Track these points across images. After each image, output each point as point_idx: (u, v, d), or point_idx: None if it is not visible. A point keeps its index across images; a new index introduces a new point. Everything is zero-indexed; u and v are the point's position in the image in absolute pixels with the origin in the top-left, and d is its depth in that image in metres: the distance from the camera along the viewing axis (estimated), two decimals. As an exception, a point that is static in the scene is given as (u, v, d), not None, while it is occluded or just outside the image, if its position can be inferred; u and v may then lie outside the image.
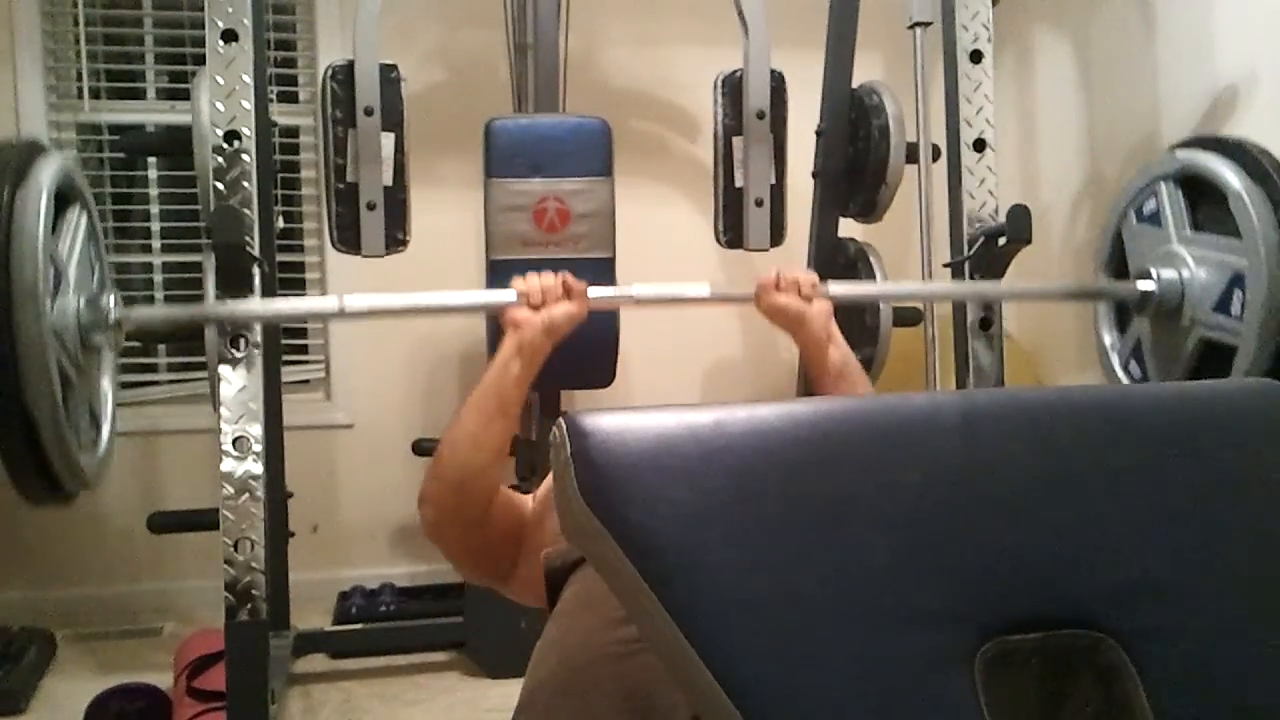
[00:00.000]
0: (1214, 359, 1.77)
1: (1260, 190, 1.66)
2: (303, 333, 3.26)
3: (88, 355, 1.54)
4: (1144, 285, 1.83)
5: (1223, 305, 1.73)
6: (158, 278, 3.21)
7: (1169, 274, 1.80)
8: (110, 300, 1.57)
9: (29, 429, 1.37)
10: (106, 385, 1.66)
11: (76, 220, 1.55)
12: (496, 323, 2.37)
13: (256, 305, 1.84)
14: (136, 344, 3.18)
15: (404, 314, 1.84)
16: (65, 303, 1.46)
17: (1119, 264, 1.99)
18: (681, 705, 0.84)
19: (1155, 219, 1.87)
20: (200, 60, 2.17)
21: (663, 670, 0.87)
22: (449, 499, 1.36)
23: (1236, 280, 1.70)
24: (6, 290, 1.33)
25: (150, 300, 3.21)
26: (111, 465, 1.64)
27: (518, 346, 1.44)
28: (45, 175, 1.43)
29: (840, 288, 1.83)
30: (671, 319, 3.27)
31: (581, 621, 1.06)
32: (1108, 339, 2.03)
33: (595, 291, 1.58)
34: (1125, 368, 1.99)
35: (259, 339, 1.84)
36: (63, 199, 1.50)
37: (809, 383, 1.72)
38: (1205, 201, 1.78)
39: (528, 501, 1.46)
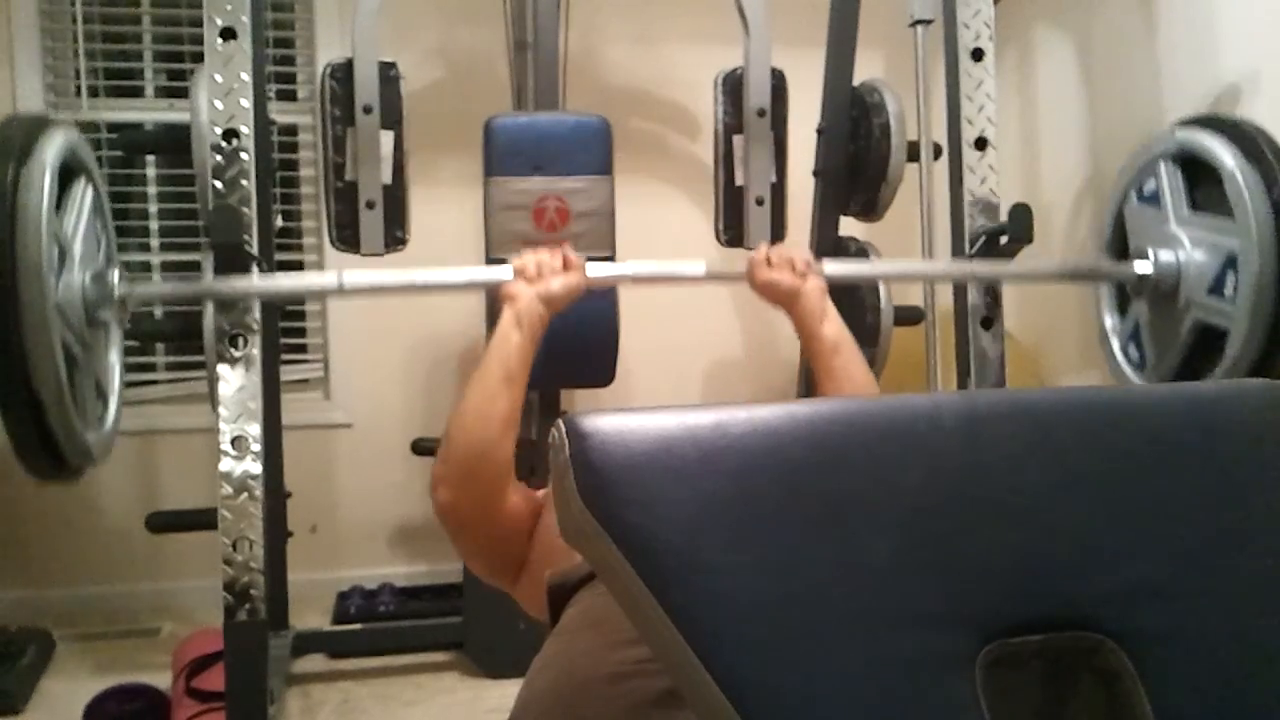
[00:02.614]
0: (1208, 342, 1.75)
1: (1254, 170, 1.65)
2: (302, 332, 3.26)
3: (94, 330, 1.54)
4: (1141, 267, 1.81)
5: (1216, 287, 1.71)
6: (156, 276, 3.21)
7: (1166, 256, 1.78)
8: (115, 276, 1.57)
9: (35, 408, 1.38)
10: (113, 359, 1.67)
11: (82, 194, 1.56)
12: (495, 310, 2.38)
13: (255, 282, 1.84)
14: (135, 344, 3.19)
15: (403, 291, 1.88)
16: (70, 279, 1.47)
17: (1121, 245, 1.97)
18: None
19: (1155, 199, 1.85)
20: (199, 58, 2.17)
21: (659, 693, 0.87)
22: (461, 480, 1.34)
23: (1230, 262, 1.68)
24: (11, 270, 1.34)
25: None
26: (116, 441, 1.64)
27: (515, 317, 1.45)
28: (50, 151, 1.43)
29: (835, 266, 1.84)
30: (671, 318, 3.28)
31: (582, 641, 1.06)
32: (1108, 322, 2.02)
33: (593, 268, 1.60)
34: (1124, 351, 1.97)
35: (258, 336, 1.83)
36: (68, 172, 1.51)
37: (806, 361, 1.71)
38: (1203, 181, 1.77)
39: (535, 494, 1.45)
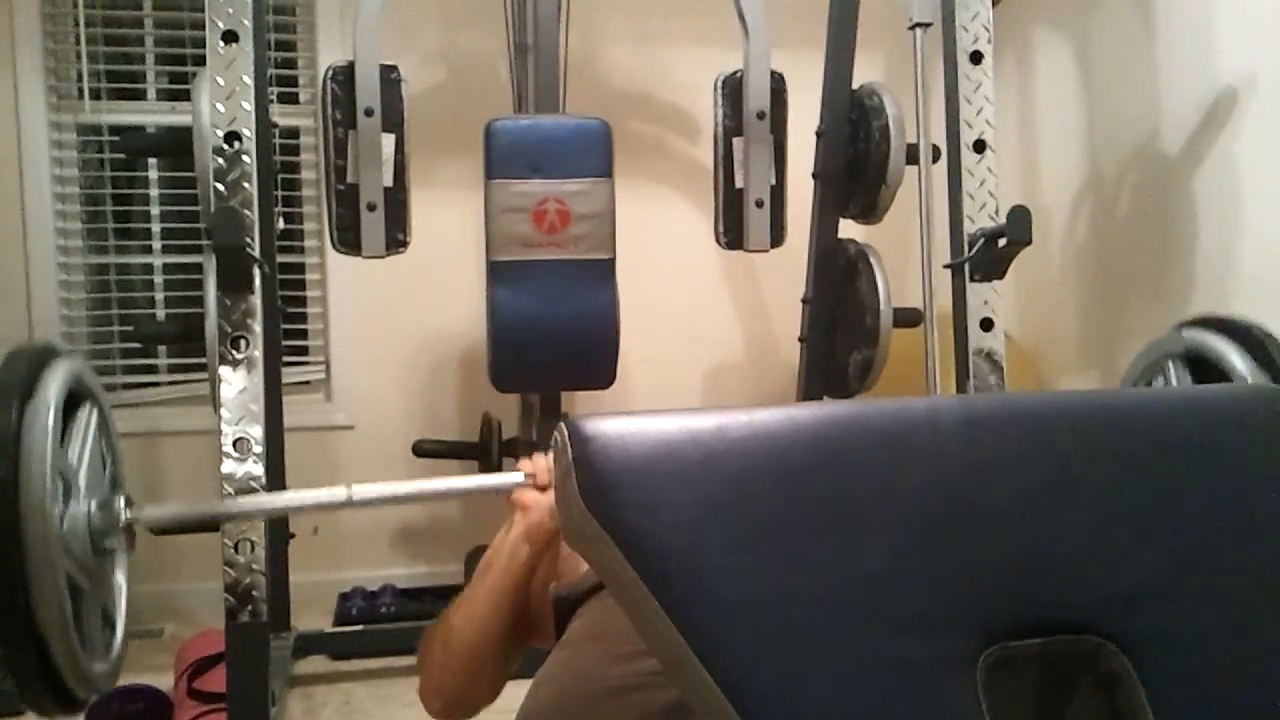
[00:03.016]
0: None
1: (1265, 375, 1.67)
2: (303, 334, 3.26)
3: (100, 559, 1.51)
4: None
5: None
6: (158, 279, 3.22)
7: None
8: (121, 502, 1.54)
9: (39, 646, 1.35)
10: (120, 581, 1.62)
11: (87, 419, 1.52)
12: (498, 324, 2.38)
13: (265, 500, 1.79)
14: (138, 346, 3.19)
15: (414, 500, 1.82)
16: (75, 511, 1.44)
17: None
18: None
19: None
20: (201, 61, 2.17)
21: (664, 705, 0.88)
22: (459, 683, 1.37)
23: None
24: (14, 511, 1.32)
25: (151, 302, 3.22)
26: (123, 666, 1.61)
27: (526, 531, 1.40)
28: (53, 387, 1.41)
29: None
30: (672, 320, 3.29)
31: (587, 653, 1.06)
32: None
33: None
34: None
35: (260, 338, 1.84)
36: (74, 398, 1.48)
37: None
38: (1211, 380, 1.79)
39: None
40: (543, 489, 1.44)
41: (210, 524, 1.69)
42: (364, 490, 1.61)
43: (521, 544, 1.40)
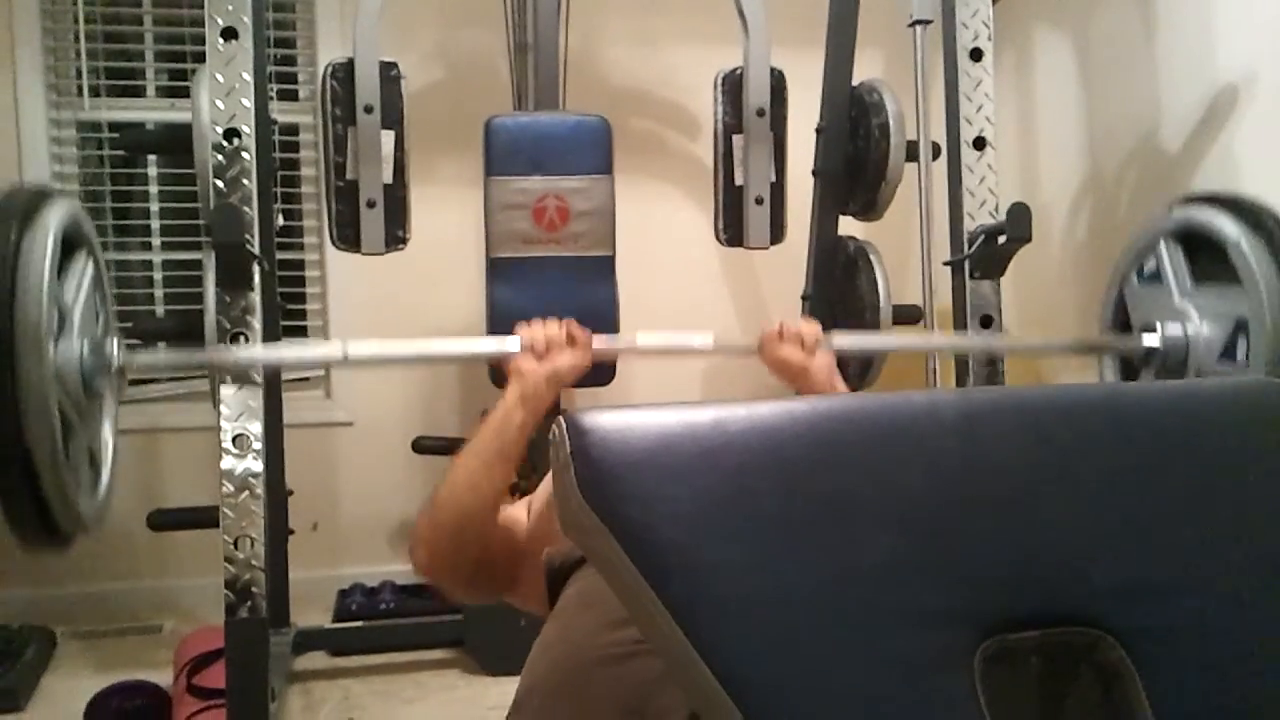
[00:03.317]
0: None
1: (1258, 238, 1.68)
2: (303, 331, 3.26)
3: (90, 400, 1.53)
4: (1149, 340, 1.83)
5: (1228, 353, 1.74)
6: (158, 275, 3.21)
7: (1174, 329, 1.80)
8: (114, 346, 1.56)
9: (28, 470, 1.36)
10: (108, 432, 1.64)
11: (83, 267, 1.55)
12: (497, 320, 2.38)
13: (258, 351, 1.84)
14: (138, 341, 3.19)
15: (407, 361, 1.84)
16: (69, 346, 1.45)
17: (1123, 326, 1.99)
18: (678, 708, 0.84)
19: (1156, 277, 1.88)
20: (200, 58, 2.17)
21: (659, 673, 0.88)
22: (444, 544, 1.35)
23: (1240, 327, 1.71)
24: (10, 332, 1.33)
25: (151, 299, 3.22)
26: (109, 507, 1.62)
27: (521, 396, 1.44)
28: (53, 219, 1.42)
29: (844, 339, 1.84)
30: (671, 317, 3.27)
31: (580, 622, 1.06)
32: None
33: (600, 340, 1.59)
34: None
35: (260, 334, 1.84)
36: (70, 245, 1.50)
37: None
38: (1205, 255, 1.80)
39: (522, 519, 1.45)
40: (539, 357, 1.49)
41: (199, 369, 1.65)
42: (359, 347, 1.71)
43: (516, 408, 1.44)
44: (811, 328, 1.64)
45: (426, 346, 1.75)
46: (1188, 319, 1.79)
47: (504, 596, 1.44)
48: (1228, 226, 1.71)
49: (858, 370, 2.70)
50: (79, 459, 1.49)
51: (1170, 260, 1.84)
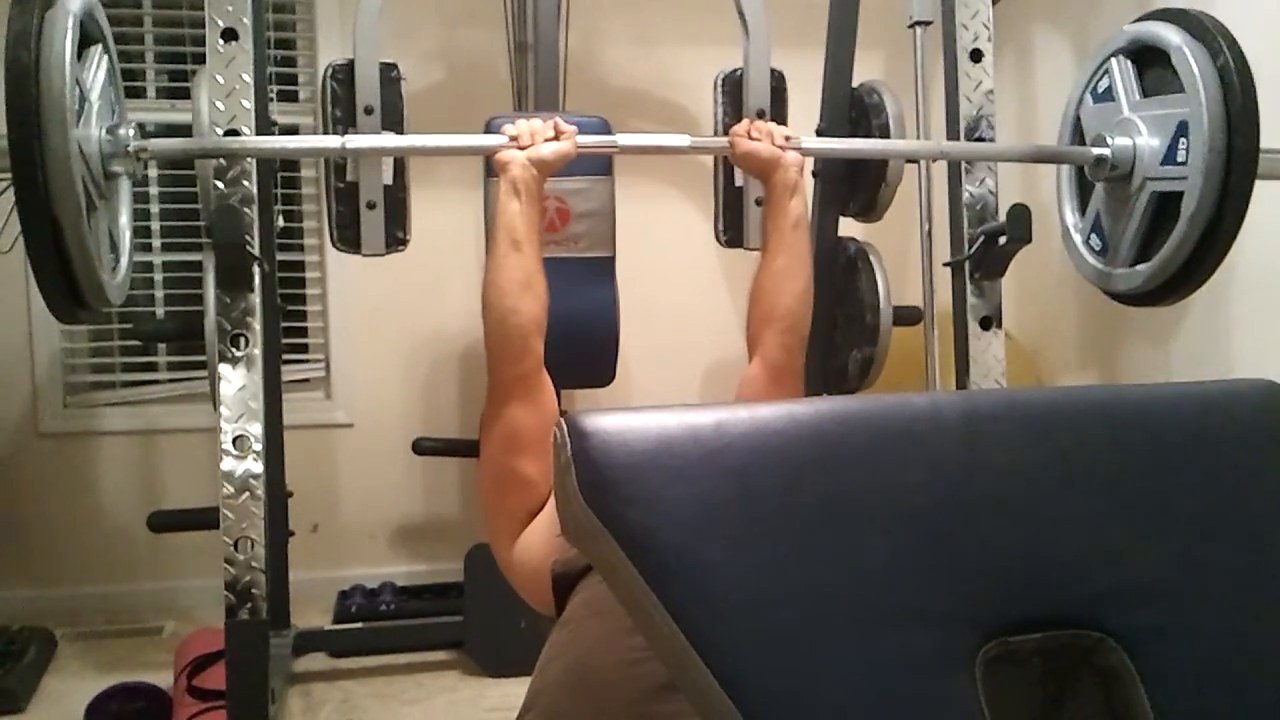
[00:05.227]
0: (1164, 210, 1.86)
1: (1199, 44, 1.78)
2: (303, 332, 3.26)
3: (109, 182, 1.64)
4: (1099, 151, 1.92)
5: (1170, 156, 1.83)
6: (158, 276, 3.21)
7: (1122, 140, 1.90)
8: (129, 131, 1.65)
9: (56, 236, 1.45)
10: (125, 219, 1.77)
11: (99, 59, 1.63)
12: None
13: (263, 141, 1.92)
14: (137, 344, 3.19)
15: (404, 153, 2.25)
16: (88, 127, 1.54)
17: (1080, 143, 2.08)
18: (690, 713, 0.84)
19: (1109, 94, 1.98)
20: (200, 59, 2.17)
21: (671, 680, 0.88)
22: (496, 345, 1.59)
23: (1181, 129, 1.80)
24: (36, 103, 1.40)
25: (150, 301, 3.22)
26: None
27: (511, 185, 1.61)
28: (73, 3, 1.50)
29: (813, 143, 2.02)
30: (671, 318, 3.28)
31: (590, 629, 1.06)
32: (1070, 219, 2.14)
33: (583, 138, 1.76)
34: (1087, 242, 2.09)
35: (260, 335, 1.84)
36: (87, 36, 1.58)
37: (763, 234, 1.84)
38: (1154, 68, 1.90)
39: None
40: (523, 148, 1.65)
41: (207, 156, 1.83)
42: (356, 140, 1.97)
43: (510, 198, 1.62)
44: (781, 128, 1.80)
45: (420, 141, 1.96)
46: (1136, 132, 1.89)
47: (507, 551, 1.50)
48: (1172, 36, 1.81)
49: (857, 372, 2.70)
50: (101, 236, 1.60)
51: (1120, 76, 1.94)
